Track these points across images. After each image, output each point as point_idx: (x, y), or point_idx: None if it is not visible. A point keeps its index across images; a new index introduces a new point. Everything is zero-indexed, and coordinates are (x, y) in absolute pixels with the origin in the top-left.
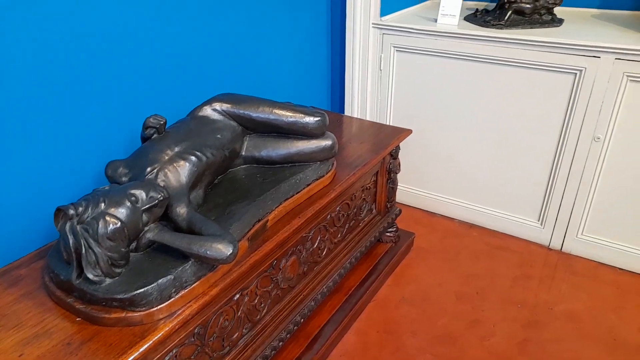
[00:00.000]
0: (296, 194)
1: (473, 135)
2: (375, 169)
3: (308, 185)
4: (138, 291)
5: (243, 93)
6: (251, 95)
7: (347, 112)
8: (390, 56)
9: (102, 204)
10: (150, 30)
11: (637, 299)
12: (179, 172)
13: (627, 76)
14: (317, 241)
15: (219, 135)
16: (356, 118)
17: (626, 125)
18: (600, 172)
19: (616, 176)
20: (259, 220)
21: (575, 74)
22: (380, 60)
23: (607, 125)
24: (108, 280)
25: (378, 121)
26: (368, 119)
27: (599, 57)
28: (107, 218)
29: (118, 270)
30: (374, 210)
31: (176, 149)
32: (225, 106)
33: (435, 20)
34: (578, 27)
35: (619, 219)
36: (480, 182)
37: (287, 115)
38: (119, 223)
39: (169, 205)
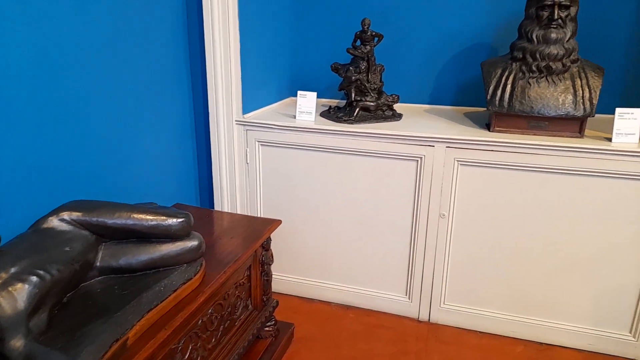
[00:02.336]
0: (161, 302)
1: (338, 219)
2: (248, 263)
3: (174, 291)
4: None
5: (101, 197)
6: (109, 199)
7: (217, 207)
8: (255, 150)
9: None
10: None
11: (500, 359)
12: (15, 298)
13: (457, 161)
14: (189, 351)
15: (67, 248)
16: (226, 212)
17: (463, 202)
18: (450, 245)
19: (462, 248)
20: (117, 340)
21: (417, 160)
22: (246, 154)
23: (448, 203)
24: None
25: (249, 213)
26: (239, 212)
27: (434, 146)
28: None
29: None
30: (250, 306)
31: (12, 270)
32: (76, 215)
33: (295, 117)
34: (415, 120)
35: (471, 286)
36: (350, 263)
37: (147, 219)
38: None
39: (1, 340)
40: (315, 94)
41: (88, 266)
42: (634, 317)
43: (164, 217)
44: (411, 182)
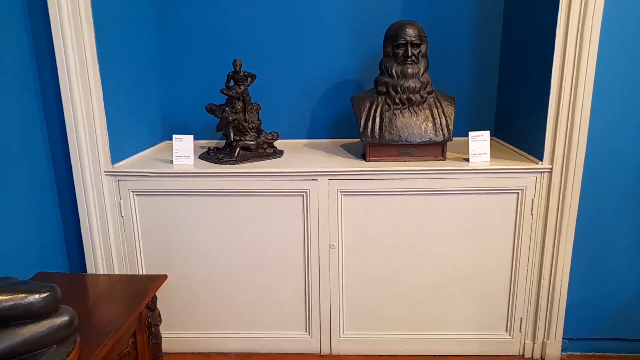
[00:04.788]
0: None
1: (229, 264)
2: (132, 329)
3: None
4: None
5: None
6: None
7: (90, 270)
8: (130, 201)
9: None
10: None
11: None
12: None
13: (340, 192)
14: None
15: None
16: (102, 274)
17: (350, 231)
18: (342, 275)
19: (355, 275)
20: None
21: (303, 195)
22: (120, 207)
23: (337, 233)
24: None
25: (130, 272)
26: (117, 272)
27: (317, 180)
28: None
29: None
30: None
31: None
32: None
33: (172, 162)
34: (296, 156)
35: (367, 311)
36: (246, 308)
37: (1, 300)
38: None
39: None
40: (191, 136)
41: None
42: (507, 317)
43: (23, 295)
44: (299, 217)
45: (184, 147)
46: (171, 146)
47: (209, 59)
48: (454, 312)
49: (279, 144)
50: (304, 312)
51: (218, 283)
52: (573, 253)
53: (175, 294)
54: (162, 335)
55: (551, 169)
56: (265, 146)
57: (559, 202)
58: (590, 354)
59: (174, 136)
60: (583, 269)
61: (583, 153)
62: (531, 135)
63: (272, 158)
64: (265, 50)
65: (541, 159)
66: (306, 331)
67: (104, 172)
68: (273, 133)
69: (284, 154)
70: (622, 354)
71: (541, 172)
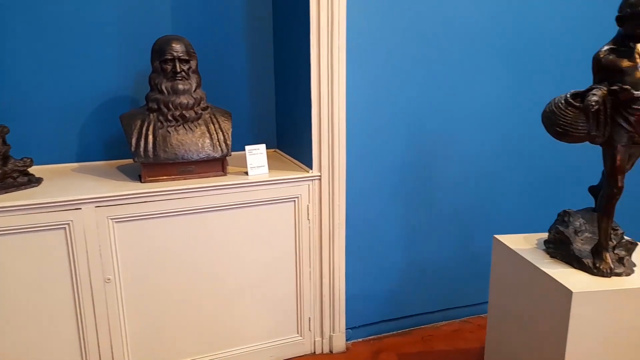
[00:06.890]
0: None
1: None
2: None
3: None
4: None
5: None
6: None
7: None
8: None
9: None
10: None
11: None
12: None
13: (111, 219)
14: None
15: None
16: None
17: (129, 260)
18: (123, 308)
19: (138, 307)
20: None
21: (65, 227)
22: None
23: (112, 265)
24: None
25: None
26: None
27: (81, 209)
28: None
29: None
30: None
31: None
32: None
33: None
34: (59, 183)
35: (157, 343)
36: None
37: None
38: None
39: None
40: None
41: None
42: (297, 319)
43: None
44: (63, 254)
45: None
46: None
47: None
48: (250, 325)
49: (38, 170)
50: (80, 358)
51: None
52: (346, 250)
53: None
54: None
55: (320, 176)
56: (15, 175)
57: (329, 205)
58: (371, 337)
59: None
60: (356, 263)
61: (344, 159)
62: (302, 146)
63: (26, 188)
64: (13, 63)
65: (311, 167)
66: None
67: None
68: (25, 159)
69: (44, 181)
70: (395, 332)
71: (312, 179)
